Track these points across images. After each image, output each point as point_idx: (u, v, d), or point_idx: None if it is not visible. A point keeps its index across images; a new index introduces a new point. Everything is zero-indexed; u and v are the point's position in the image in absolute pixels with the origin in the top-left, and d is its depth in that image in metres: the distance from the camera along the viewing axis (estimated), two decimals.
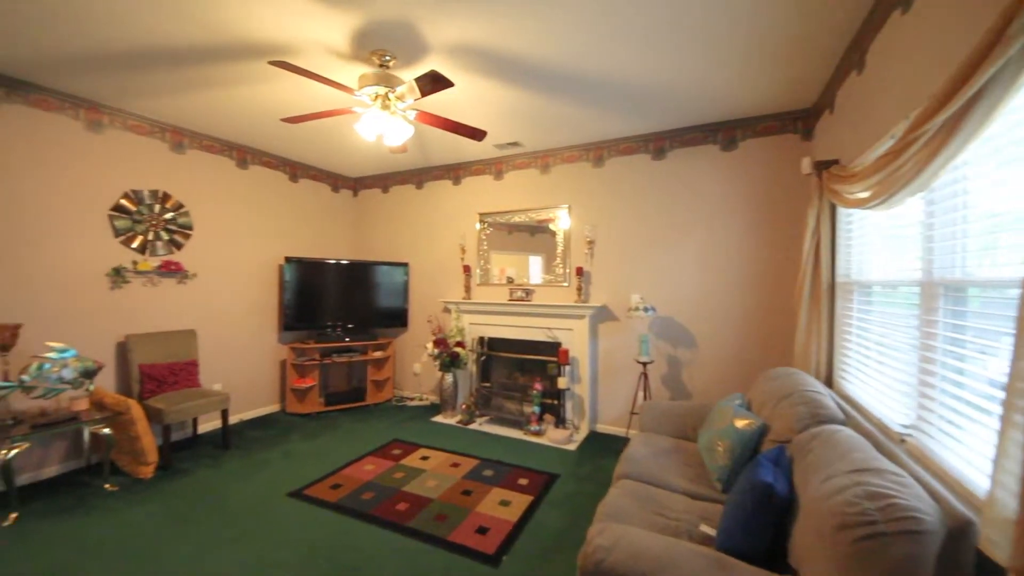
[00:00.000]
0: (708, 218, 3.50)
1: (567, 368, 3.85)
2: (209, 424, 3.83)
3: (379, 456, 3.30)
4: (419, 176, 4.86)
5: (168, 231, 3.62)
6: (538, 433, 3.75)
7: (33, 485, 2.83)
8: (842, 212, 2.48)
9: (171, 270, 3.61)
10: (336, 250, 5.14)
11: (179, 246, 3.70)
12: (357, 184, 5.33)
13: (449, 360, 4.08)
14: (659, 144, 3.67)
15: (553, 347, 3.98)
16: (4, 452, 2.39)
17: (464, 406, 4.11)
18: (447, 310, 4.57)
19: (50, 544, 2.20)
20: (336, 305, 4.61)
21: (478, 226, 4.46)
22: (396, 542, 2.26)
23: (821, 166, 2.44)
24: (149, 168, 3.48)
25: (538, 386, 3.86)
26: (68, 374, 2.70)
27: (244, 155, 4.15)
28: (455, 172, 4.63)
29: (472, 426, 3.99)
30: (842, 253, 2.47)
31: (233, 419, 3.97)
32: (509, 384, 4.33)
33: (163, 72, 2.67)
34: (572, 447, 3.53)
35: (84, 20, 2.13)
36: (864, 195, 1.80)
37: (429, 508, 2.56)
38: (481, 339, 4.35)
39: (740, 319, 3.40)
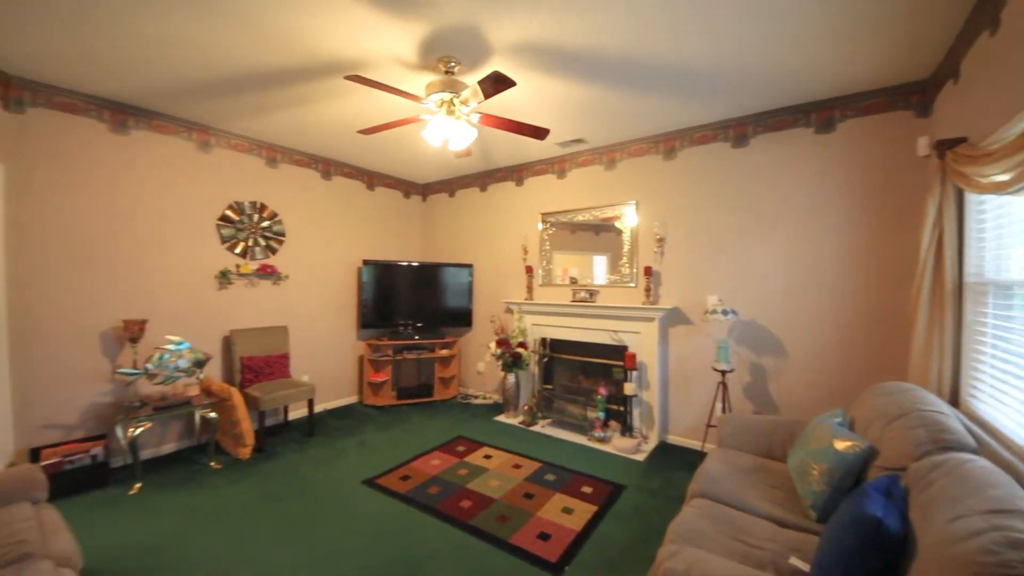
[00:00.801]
0: (800, 210, 3.14)
1: (634, 373, 3.67)
2: (297, 412, 4.21)
3: (445, 452, 3.39)
4: (483, 179, 4.95)
5: (265, 238, 4.05)
6: (603, 440, 3.62)
7: (155, 459, 3.30)
8: (972, 199, 2.08)
9: (267, 272, 4.03)
10: (408, 252, 5.40)
11: (274, 251, 4.12)
12: (426, 190, 5.56)
13: (511, 361, 4.09)
14: (740, 130, 3.36)
15: (619, 351, 3.82)
16: (131, 430, 2.81)
17: (526, 407, 4.10)
18: (509, 311, 4.59)
19: (165, 513, 2.55)
20: (407, 305, 4.85)
21: (540, 226, 4.43)
22: (458, 539, 2.30)
23: (944, 146, 2.06)
24: (248, 182, 3.92)
25: (602, 391, 3.72)
26: (183, 364, 3.11)
27: (328, 167, 4.52)
28: (518, 173, 4.64)
29: (534, 428, 3.96)
30: (973, 248, 2.07)
31: (317, 408, 4.32)
32: (572, 387, 4.23)
33: (257, 94, 2.98)
34: (640, 457, 3.36)
35: (195, 54, 2.44)
36: (1004, 178, 1.49)
37: (491, 508, 2.57)
38: (543, 340, 4.31)
39: (840, 325, 3.00)
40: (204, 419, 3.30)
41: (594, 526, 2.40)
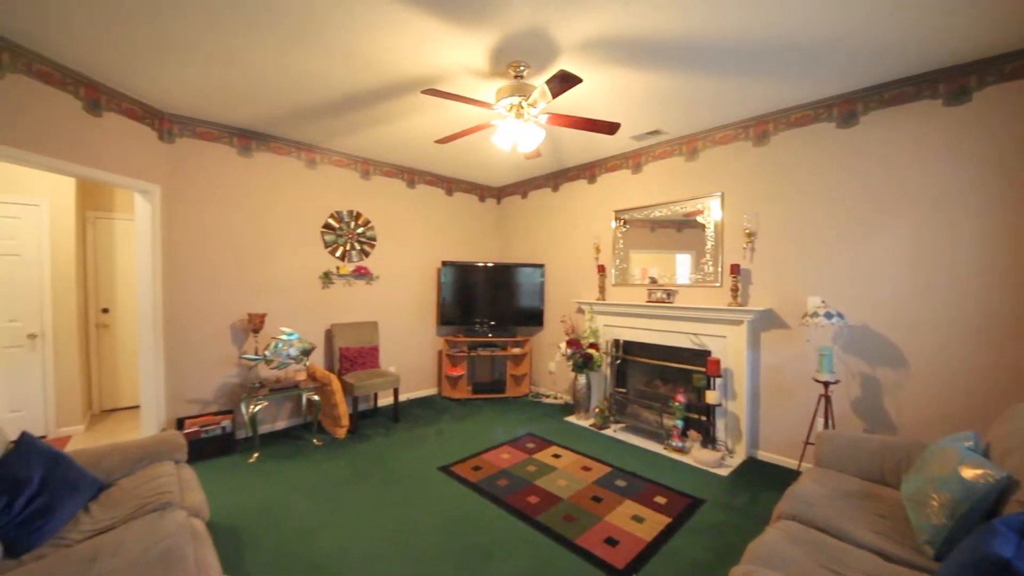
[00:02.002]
0: (926, 196, 2.66)
1: (718, 381, 3.40)
2: (385, 400, 4.60)
3: (514, 447, 3.46)
4: (554, 179, 4.95)
5: (359, 242, 4.50)
6: (681, 450, 3.40)
7: (271, 433, 3.85)
8: None
9: (361, 273, 4.47)
10: (483, 253, 5.61)
11: (367, 254, 4.56)
12: (500, 193, 5.72)
13: (582, 361, 4.03)
14: (848, 107, 2.95)
15: (701, 355, 3.56)
16: (252, 407, 3.31)
17: (597, 410, 4.01)
18: (581, 311, 4.53)
19: (274, 481, 2.95)
20: (482, 303, 5.04)
21: (613, 224, 4.31)
22: (525, 532, 2.33)
23: None
24: (346, 193, 4.38)
25: (681, 398, 3.50)
26: (293, 352, 3.59)
27: (412, 176, 4.88)
28: (590, 171, 4.56)
29: (606, 431, 3.85)
30: None
31: (402, 397, 4.68)
32: (647, 392, 4.04)
33: (352, 114, 3.33)
34: (723, 472, 3.10)
35: (304, 83, 2.81)
36: None
37: (558, 507, 2.57)
38: (616, 342, 4.18)
39: (976, 331, 2.48)
40: (309, 401, 3.77)
41: (666, 538, 2.28)
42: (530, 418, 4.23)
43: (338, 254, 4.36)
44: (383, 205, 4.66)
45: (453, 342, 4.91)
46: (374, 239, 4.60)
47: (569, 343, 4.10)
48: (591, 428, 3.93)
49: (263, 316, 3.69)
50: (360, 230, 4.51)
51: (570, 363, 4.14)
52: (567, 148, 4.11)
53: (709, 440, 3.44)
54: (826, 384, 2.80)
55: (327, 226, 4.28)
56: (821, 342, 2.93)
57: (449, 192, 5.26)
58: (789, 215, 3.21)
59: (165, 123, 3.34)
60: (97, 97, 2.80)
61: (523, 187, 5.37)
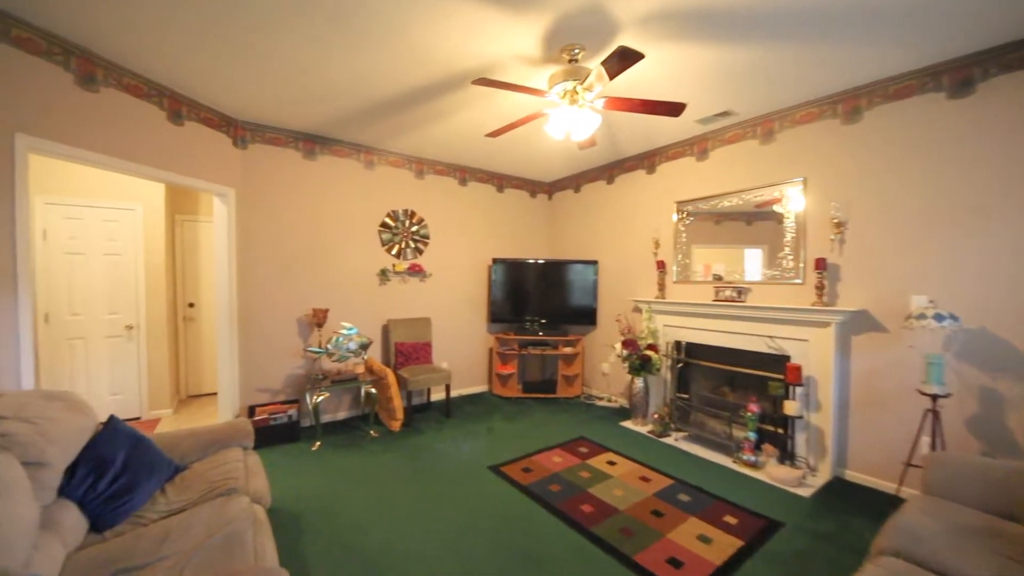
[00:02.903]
0: None
1: (799, 390, 3.04)
2: (437, 395, 4.65)
3: (567, 450, 3.32)
4: (609, 170, 4.72)
5: (414, 240, 4.58)
6: (753, 465, 3.08)
7: (332, 423, 4.01)
8: None
9: (415, 271, 4.54)
10: (534, 250, 5.51)
11: (420, 252, 4.62)
12: (551, 188, 5.58)
13: (639, 364, 3.79)
14: (962, 75, 2.49)
15: (778, 361, 3.21)
16: (315, 397, 3.45)
17: (656, 416, 3.76)
18: (637, 309, 4.28)
19: (333, 470, 3.05)
20: (533, 301, 4.94)
21: (675, 217, 4.01)
22: (577, 543, 2.20)
23: None
24: (401, 192, 4.47)
25: (754, 407, 3.18)
26: (352, 346, 3.70)
27: (464, 174, 4.88)
28: (649, 160, 4.29)
29: (666, 440, 3.60)
30: None
31: (453, 393, 4.71)
32: (714, 399, 3.72)
33: (406, 113, 3.35)
34: (804, 492, 2.76)
35: (362, 84, 2.86)
36: None
37: (614, 518, 2.40)
38: (677, 343, 3.89)
39: None
40: (367, 393, 3.88)
41: (738, 563, 2.05)
42: (582, 421, 4.07)
43: (394, 252, 4.45)
44: (436, 203, 4.70)
45: (504, 339, 4.85)
46: (427, 237, 4.66)
47: (625, 344, 3.89)
48: (649, 435, 3.69)
49: (326, 311, 3.85)
50: (414, 228, 4.58)
51: (626, 365, 3.92)
52: (624, 136, 3.89)
53: (787, 456, 3.09)
54: (934, 397, 2.38)
55: (384, 225, 4.39)
56: (929, 348, 2.51)
57: (500, 189, 5.20)
58: (887, 201, 2.79)
59: (239, 130, 3.57)
60: (179, 108, 3.04)
61: (575, 181, 5.19)
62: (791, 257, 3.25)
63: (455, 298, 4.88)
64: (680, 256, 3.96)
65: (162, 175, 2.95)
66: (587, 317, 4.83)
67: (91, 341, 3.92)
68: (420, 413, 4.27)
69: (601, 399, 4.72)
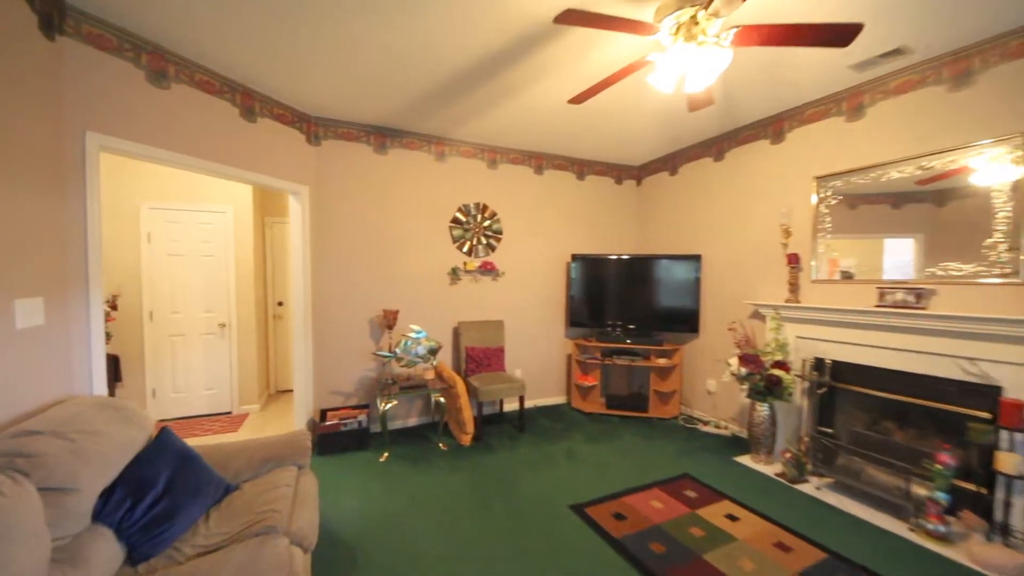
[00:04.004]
0: None
1: (1019, 437, 2.08)
2: (510, 404, 4.24)
3: (668, 492, 2.68)
4: (718, 144, 3.89)
5: (486, 236, 4.21)
6: (944, 538, 2.19)
7: (403, 429, 3.79)
8: None
9: (487, 269, 4.18)
10: (619, 245, 4.84)
11: (493, 249, 4.25)
12: (641, 172, 4.85)
13: (764, 386, 2.99)
14: None
15: (981, 393, 2.26)
16: (384, 404, 3.21)
17: (788, 454, 2.93)
18: (758, 315, 3.44)
19: (398, 488, 2.76)
20: (618, 303, 4.30)
21: (815, 197, 3.11)
22: None
23: None
24: (473, 185, 4.12)
25: (947, 458, 2.26)
26: (421, 350, 3.42)
27: (540, 161, 4.40)
28: (775, 126, 3.40)
29: (802, 487, 2.77)
30: None
31: (527, 404, 4.27)
32: (874, 439, 2.80)
33: (479, 92, 2.95)
34: None
35: (428, 57, 2.51)
36: None
37: None
38: (818, 361, 3.01)
39: None
40: (436, 401, 3.58)
41: None
42: (684, 451, 3.35)
43: (465, 249, 4.13)
44: (509, 195, 4.29)
45: (584, 346, 4.29)
46: (500, 232, 4.27)
47: (743, 359, 3.11)
48: (778, 479, 2.88)
49: (396, 312, 3.63)
50: (486, 223, 4.21)
51: (744, 386, 3.14)
52: (742, 97, 3.10)
53: (1000, 529, 2.15)
54: None
55: (455, 220, 4.08)
56: None
57: (580, 176, 4.63)
58: None
59: (312, 126, 3.47)
60: (252, 104, 2.96)
61: (671, 161, 4.42)
62: (1003, 247, 2.26)
63: (529, 299, 4.42)
64: (823, 247, 3.06)
65: (235, 173, 2.88)
66: (686, 323, 4.06)
67: (189, 338, 4.14)
68: (492, 425, 3.89)
69: (705, 423, 3.93)
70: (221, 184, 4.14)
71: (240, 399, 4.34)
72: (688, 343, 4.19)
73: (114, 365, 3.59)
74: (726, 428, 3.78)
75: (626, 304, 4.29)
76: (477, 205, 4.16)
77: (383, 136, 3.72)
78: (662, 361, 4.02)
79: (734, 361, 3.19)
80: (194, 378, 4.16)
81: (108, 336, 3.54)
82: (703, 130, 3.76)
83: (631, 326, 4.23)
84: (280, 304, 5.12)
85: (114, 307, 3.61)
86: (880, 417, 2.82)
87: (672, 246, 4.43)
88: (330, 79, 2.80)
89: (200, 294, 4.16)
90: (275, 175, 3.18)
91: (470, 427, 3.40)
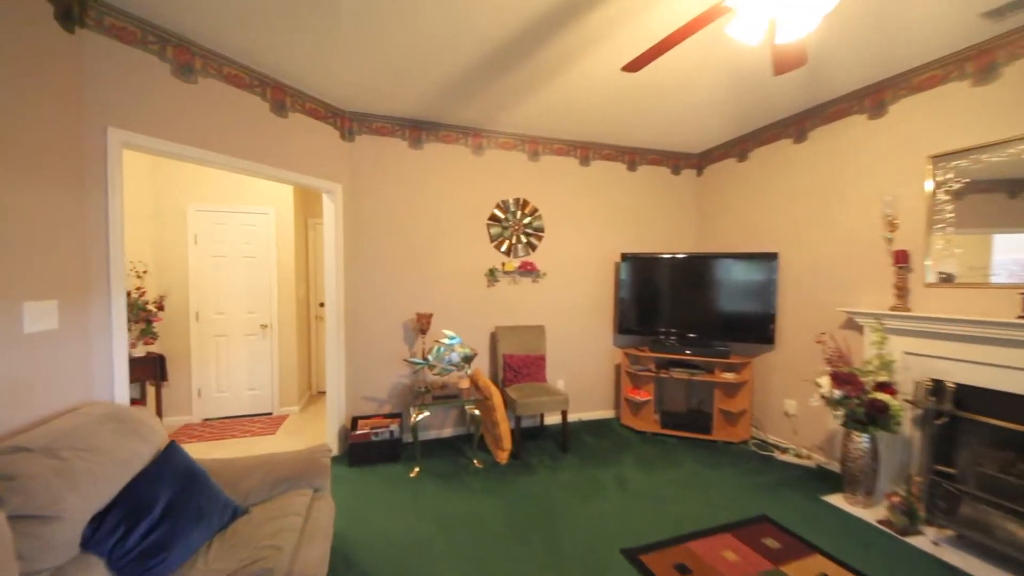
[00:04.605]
0: None
1: None
2: (552, 418, 3.90)
3: (743, 539, 2.22)
4: (800, 122, 3.33)
5: (526, 234, 3.90)
6: None
7: (436, 440, 3.56)
8: None
9: (527, 270, 3.87)
10: (676, 242, 4.35)
11: (533, 248, 3.93)
12: (702, 160, 4.33)
13: (864, 414, 2.44)
14: None
15: None
16: (415, 416, 2.99)
17: (895, 498, 2.37)
18: (854, 326, 2.87)
19: (428, 510, 2.51)
20: (675, 308, 3.83)
21: (929, 183, 2.51)
22: None
23: None
24: (513, 179, 3.83)
25: None
26: (455, 358, 3.17)
27: (586, 152, 4.03)
28: (875, 96, 2.81)
29: (914, 540, 2.21)
30: None
31: (571, 417, 3.90)
32: (1013, 485, 2.18)
33: (517, 70, 2.65)
34: None
35: (464, 36, 2.25)
36: None
37: None
38: (937, 384, 2.41)
39: None
40: (471, 413, 3.32)
41: None
42: (759, 485, 2.85)
43: (503, 248, 3.84)
44: (552, 189, 3.95)
45: (635, 356, 3.86)
46: (541, 230, 3.94)
47: (836, 379, 2.57)
48: (882, 528, 2.33)
49: (430, 316, 3.41)
50: (527, 220, 3.90)
51: (838, 412, 2.60)
52: (831, 64, 2.57)
53: None
54: None
55: (493, 218, 3.81)
56: None
57: (632, 166, 4.20)
58: None
59: (345, 121, 3.33)
60: (283, 98, 2.85)
61: (740, 145, 3.88)
62: None
63: (574, 302, 4.05)
64: (942, 243, 2.45)
65: (266, 171, 2.77)
66: (758, 332, 3.52)
67: (232, 338, 4.17)
68: (531, 441, 3.57)
69: (783, 451, 3.37)
70: (264, 185, 4.15)
71: (280, 400, 4.32)
72: (760, 356, 3.64)
73: (160, 365, 3.65)
74: (809, 458, 3.21)
75: (684, 309, 3.81)
76: (517, 201, 3.87)
77: (418, 129, 3.52)
78: (729, 376, 3.51)
79: (825, 381, 2.65)
80: (237, 378, 4.19)
81: (154, 336, 3.62)
82: (781, 106, 3.22)
83: (691, 334, 3.75)
84: (322, 305, 5.09)
85: (160, 307, 3.67)
86: (1021, 457, 2.20)
87: (740, 243, 3.89)
88: (359, 65, 2.61)
89: (243, 295, 4.18)
90: (308, 173, 3.06)
91: (507, 443, 3.11)
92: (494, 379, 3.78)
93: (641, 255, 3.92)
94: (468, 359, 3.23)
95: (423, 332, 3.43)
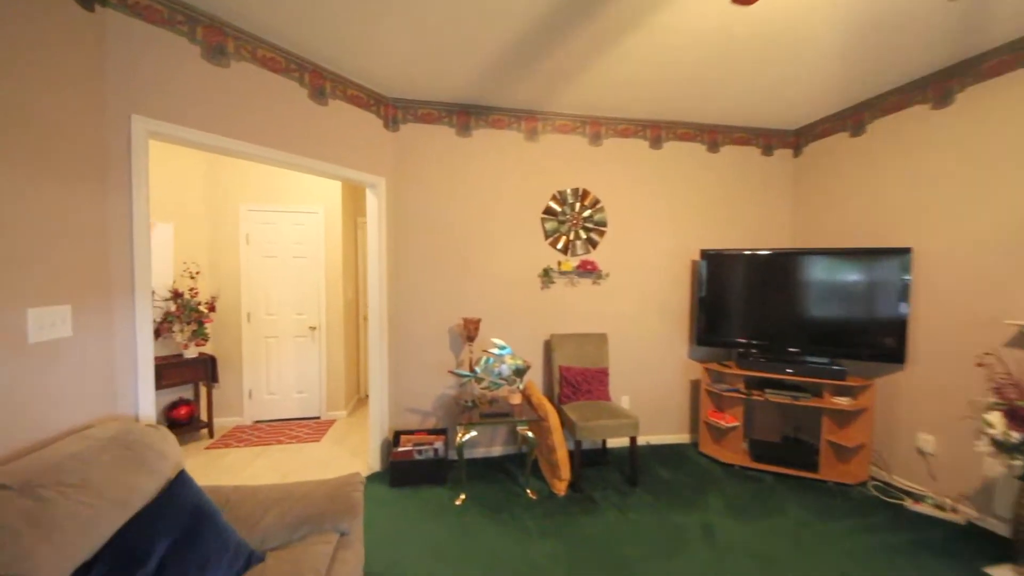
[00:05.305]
0: None
1: None
2: (616, 440, 3.41)
3: None
4: (941, 83, 2.58)
5: (585, 229, 3.45)
6: None
7: (484, 461, 3.20)
8: None
9: (587, 270, 3.41)
10: (768, 236, 3.68)
11: (594, 244, 3.46)
12: (800, 137, 3.62)
13: None
14: None
15: None
16: (461, 436, 2.64)
17: None
18: None
19: (471, 552, 2.15)
20: (767, 316, 3.19)
21: None
22: None
23: None
24: (571, 167, 3.39)
25: None
26: (505, 370, 2.80)
27: (658, 132, 3.49)
28: None
29: None
30: None
31: (639, 439, 3.37)
32: None
33: (577, 36, 2.21)
34: None
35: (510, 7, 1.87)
36: None
37: None
38: None
39: None
40: (524, 435, 2.93)
41: None
42: (894, 546, 2.19)
43: (560, 245, 3.41)
44: (617, 177, 3.46)
45: (718, 372, 3.26)
46: (603, 224, 3.46)
47: (1014, 417, 1.88)
48: None
49: (477, 322, 3.07)
50: (587, 213, 3.44)
51: (1017, 462, 1.90)
52: (994, 3, 1.88)
53: None
54: None
55: (548, 211, 3.39)
56: None
57: (713, 147, 3.59)
58: None
59: (389, 109, 3.07)
60: (322, 83, 2.62)
61: (856, 115, 3.14)
62: None
63: (641, 308, 3.53)
64: None
65: (304, 163, 2.55)
66: (883, 347, 2.80)
67: (282, 340, 4.10)
68: (592, 468, 3.10)
69: (918, 499, 2.63)
70: (312, 184, 4.03)
71: (328, 404, 4.20)
72: (885, 376, 2.91)
73: (211, 366, 3.62)
74: (955, 511, 2.48)
75: (780, 318, 3.16)
76: (576, 191, 3.41)
77: (466, 115, 3.19)
78: (843, 401, 2.83)
79: (996, 419, 1.96)
80: (286, 381, 4.11)
81: (206, 337, 3.59)
82: (917, 62, 2.51)
83: (793, 348, 3.09)
84: None
85: (212, 308, 3.64)
86: None
87: (851, 237, 3.17)
88: (401, 42, 2.31)
89: (292, 296, 4.10)
90: (349, 165, 2.82)
91: (565, 472, 2.69)
92: (548, 394, 3.37)
93: (726, 252, 3.31)
94: (520, 372, 2.85)
95: (470, 339, 3.08)
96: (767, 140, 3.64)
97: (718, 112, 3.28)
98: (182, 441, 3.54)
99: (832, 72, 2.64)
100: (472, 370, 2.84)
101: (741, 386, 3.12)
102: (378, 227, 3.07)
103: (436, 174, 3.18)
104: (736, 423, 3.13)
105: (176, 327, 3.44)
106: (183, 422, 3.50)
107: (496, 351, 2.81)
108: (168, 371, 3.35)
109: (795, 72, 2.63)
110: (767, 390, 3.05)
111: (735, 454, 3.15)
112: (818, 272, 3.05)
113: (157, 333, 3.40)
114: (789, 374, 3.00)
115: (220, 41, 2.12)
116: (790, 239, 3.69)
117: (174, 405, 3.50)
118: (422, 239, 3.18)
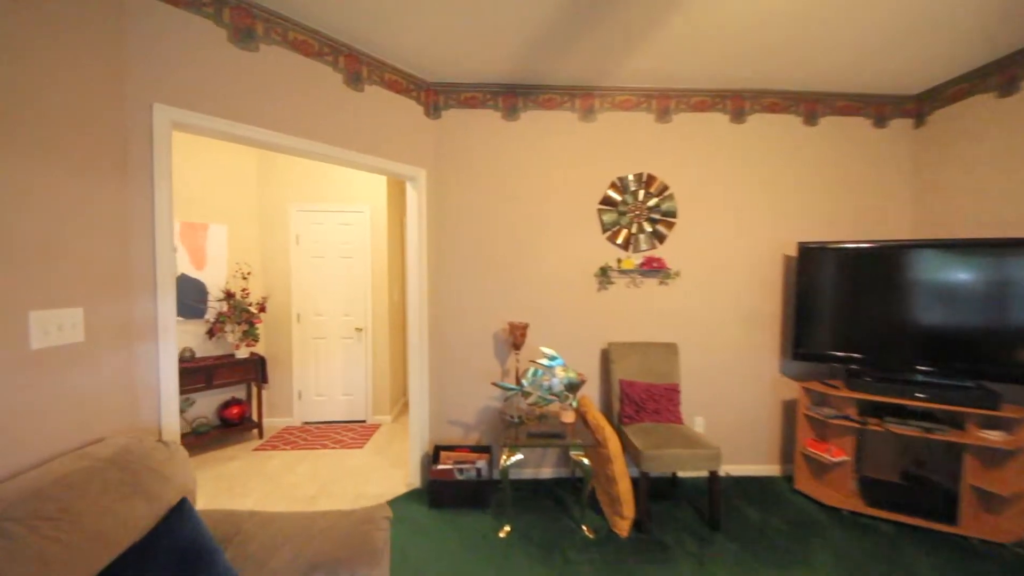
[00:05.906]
0: None
1: None
2: (691, 471, 2.92)
3: None
4: None
5: (651, 221, 3.00)
6: None
7: (532, 484, 2.87)
8: None
9: (652, 268, 2.96)
10: (882, 226, 2.99)
11: (661, 238, 3.00)
12: (922, 103, 2.90)
13: None
14: None
15: None
16: (505, 458, 2.32)
17: None
18: None
19: None
20: (885, 324, 2.55)
21: None
22: None
23: None
24: (634, 149, 2.96)
25: None
26: (555, 385, 2.45)
27: (740, 103, 2.95)
28: None
29: None
30: None
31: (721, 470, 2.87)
32: None
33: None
34: None
35: None
36: None
37: None
38: None
39: None
40: (578, 461, 2.55)
41: None
42: None
43: (619, 240, 2.99)
44: (689, 159, 2.97)
45: (822, 395, 2.67)
46: (672, 214, 2.98)
47: None
48: None
49: (524, 327, 2.75)
50: (652, 202, 2.98)
51: None
52: None
53: None
54: None
55: (606, 200, 2.98)
56: None
57: (810, 119, 2.98)
58: None
59: (430, 95, 2.84)
60: (358, 68, 2.42)
61: (1001, 72, 2.41)
62: None
63: (719, 313, 3.00)
64: None
65: (340, 155, 2.37)
66: None
67: (330, 341, 4.04)
68: (661, 502, 2.65)
69: None
70: (358, 183, 3.93)
71: (373, 408, 4.08)
72: None
73: (260, 367, 3.61)
74: None
75: (902, 327, 2.52)
76: (639, 177, 2.97)
77: (513, 96, 2.87)
78: (994, 436, 2.16)
79: None
80: (334, 383, 4.05)
81: (256, 338, 3.58)
82: None
83: (922, 366, 2.44)
84: None
85: (262, 309, 3.63)
86: None
87: (1001, 226, 2.45)
88: (444, 14, 2.04)
89: (340, 297, 4.03)
90: (387, 156, 2.61)
91: (628, 509, 2.28)
92: (606, 412, 2.96)
93: (830, 246, 2.71)
94: (573, 387, 2.48)
95: (516, 347, 2.76)
96: (879, 108, 2.95)
97: (815, 76, 2.69)
98: (233, 441, 3.56)
99: (962, 18, 2.00)
100: (519, 382, 2.52)
101: (852, 412, 2.51)
102: (418, 222, 2.84)
103: (480, 163, 2.90)
104: (845, 457, 2.52)
105: (228, 327, 3.45)
106: (235, 422, 3.51)
107: (546, 362, 2.47)
108: (220, 371, 3.36)
109: (910, 22, 2.02)
110: (886, 418, 2.42)
111: (842, 495, 2.54)
112: (955, 270, 2.38)
113: (211, 333, 3.44)
114: (919, 399, 2.36)
115: (248, 23, 1.97)
116: (911, 229, 2.98)
117: (227, 404, 3.52)
118: (464, 234, 2.91)
